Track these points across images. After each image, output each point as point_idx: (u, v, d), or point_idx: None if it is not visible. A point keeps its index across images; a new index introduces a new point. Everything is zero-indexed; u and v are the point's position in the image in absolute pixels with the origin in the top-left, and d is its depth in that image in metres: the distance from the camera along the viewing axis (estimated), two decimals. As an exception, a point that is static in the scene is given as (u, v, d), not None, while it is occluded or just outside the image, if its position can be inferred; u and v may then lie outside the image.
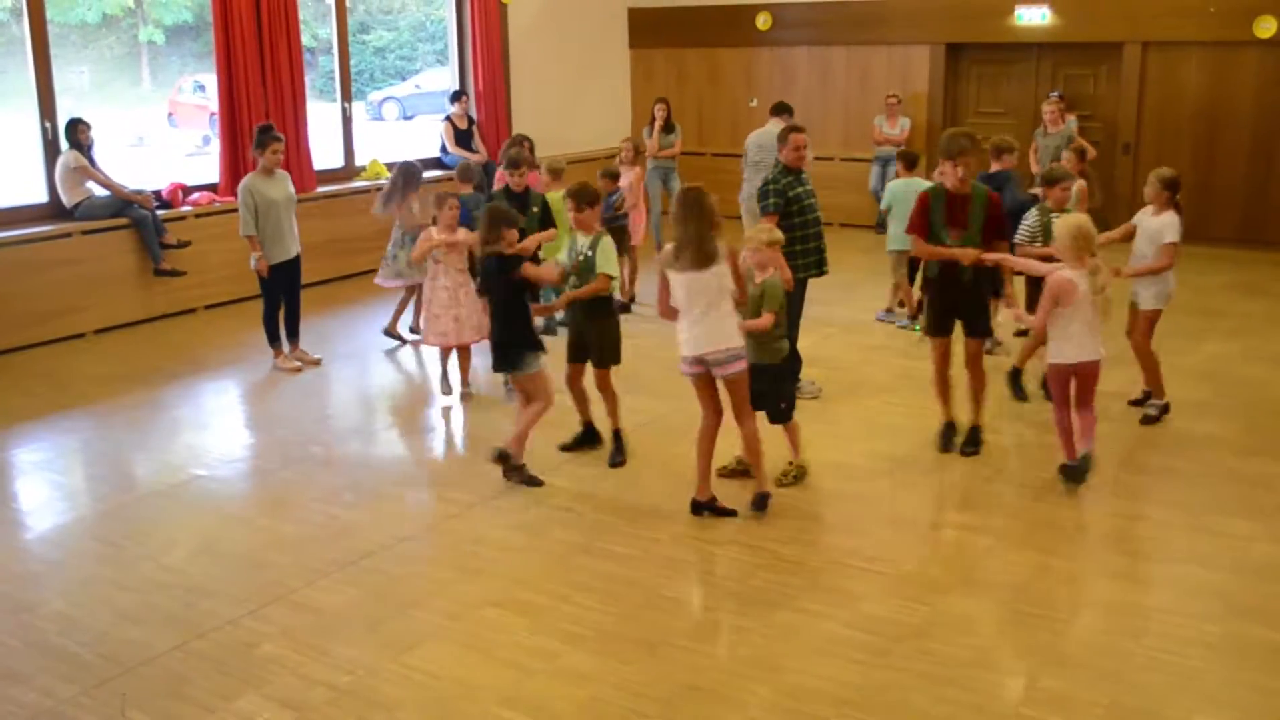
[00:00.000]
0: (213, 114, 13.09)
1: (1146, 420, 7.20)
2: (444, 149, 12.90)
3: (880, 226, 13.89)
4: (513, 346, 6.31)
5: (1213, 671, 4.48)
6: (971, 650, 4.63)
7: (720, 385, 5.86)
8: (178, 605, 5.08)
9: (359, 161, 12.52)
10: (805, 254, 7.54)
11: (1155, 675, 4.45)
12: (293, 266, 8.63)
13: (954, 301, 6.73)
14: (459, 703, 4.31)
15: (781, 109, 10.50)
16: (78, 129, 9.56)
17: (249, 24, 10.75)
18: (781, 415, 6.29)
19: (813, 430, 7.22)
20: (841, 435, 7.13)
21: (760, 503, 5.94)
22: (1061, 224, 6.19)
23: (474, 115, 13.26)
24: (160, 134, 19.91)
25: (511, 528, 5.86)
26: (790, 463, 6.41)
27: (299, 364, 8.70)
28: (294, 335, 8.81)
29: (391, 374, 8.67)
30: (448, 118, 12.93)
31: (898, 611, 4.95)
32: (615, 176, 9.94)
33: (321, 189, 11.59)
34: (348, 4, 12.38)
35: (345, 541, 5.71)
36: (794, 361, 7.76)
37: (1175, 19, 12.59)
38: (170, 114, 20.96)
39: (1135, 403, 7.41)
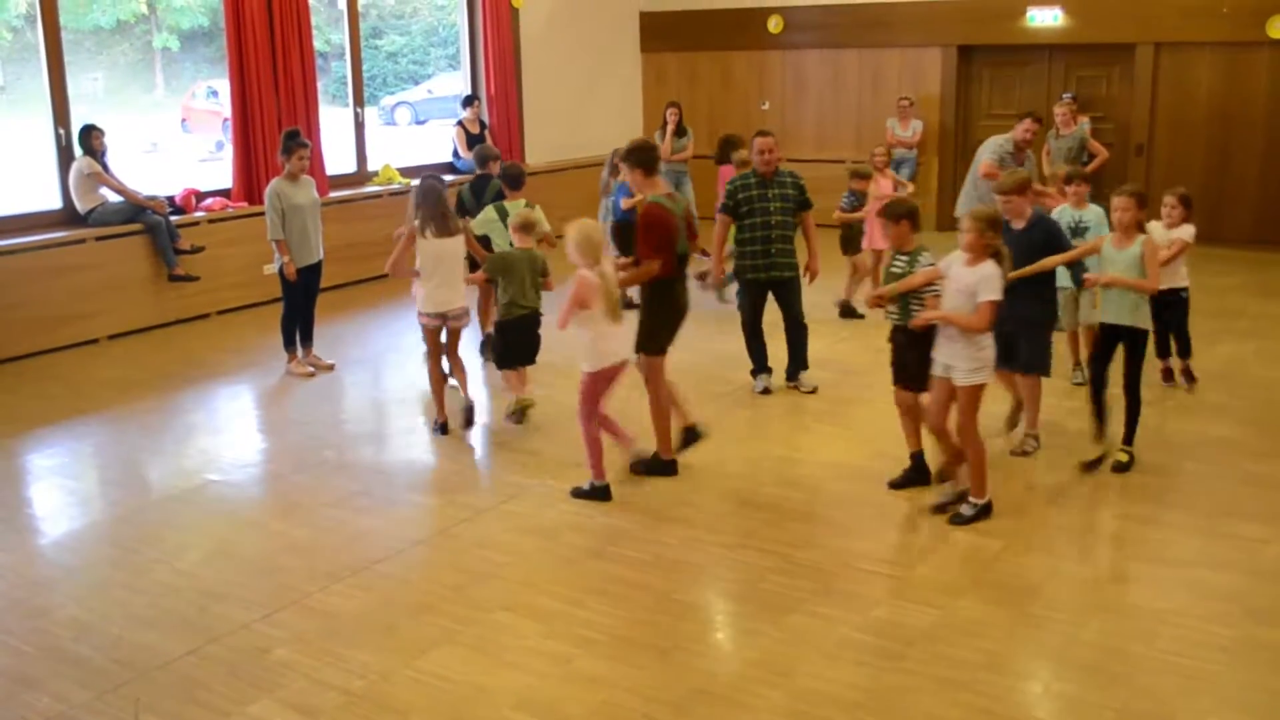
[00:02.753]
0: (226, 119, 13.14)
1: (956, 520, 5.86)
2: (456, 154, 12.93)
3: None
4: None
5: (1226, 675, 4.46)
6: (983, 654, 4.62)
7: (447, 334, 7.32)
8: (191, 610, 5.10)
9: (371, 166, 12.56)
10: (753, 255, 7.79)
11: (1168, 679, 4.43)
12: (314, 271, 8.67)
13: None
14: (472, 707, 4.32)
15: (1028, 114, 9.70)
16: (91, 135, 9.60)
17: (262, 29, 10.79)
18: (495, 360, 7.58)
19: (824, 433, 7.24)
20: (853, 438, 7.12)
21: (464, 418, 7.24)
22: (570, 228, 6.02)
23: (486, 119, 13.30)
24: (174, 140, 20.01)
25: (523, 532, 5.87)
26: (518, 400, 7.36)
27: (312, 369, 8.73)
28: (308, 340, 8.84)
29: (404, 379, 8.68)
30: (459, 122, 12.97)
31: (909, 615, 4.94)
32: (865, 176, 9.98)
33: (334, 194, 11.61)
34: (360, 9, 12.42)
35: (358, 546, 5.72)
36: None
37: (1187, 20, 12.55)
38: (184, 119, 21.07)
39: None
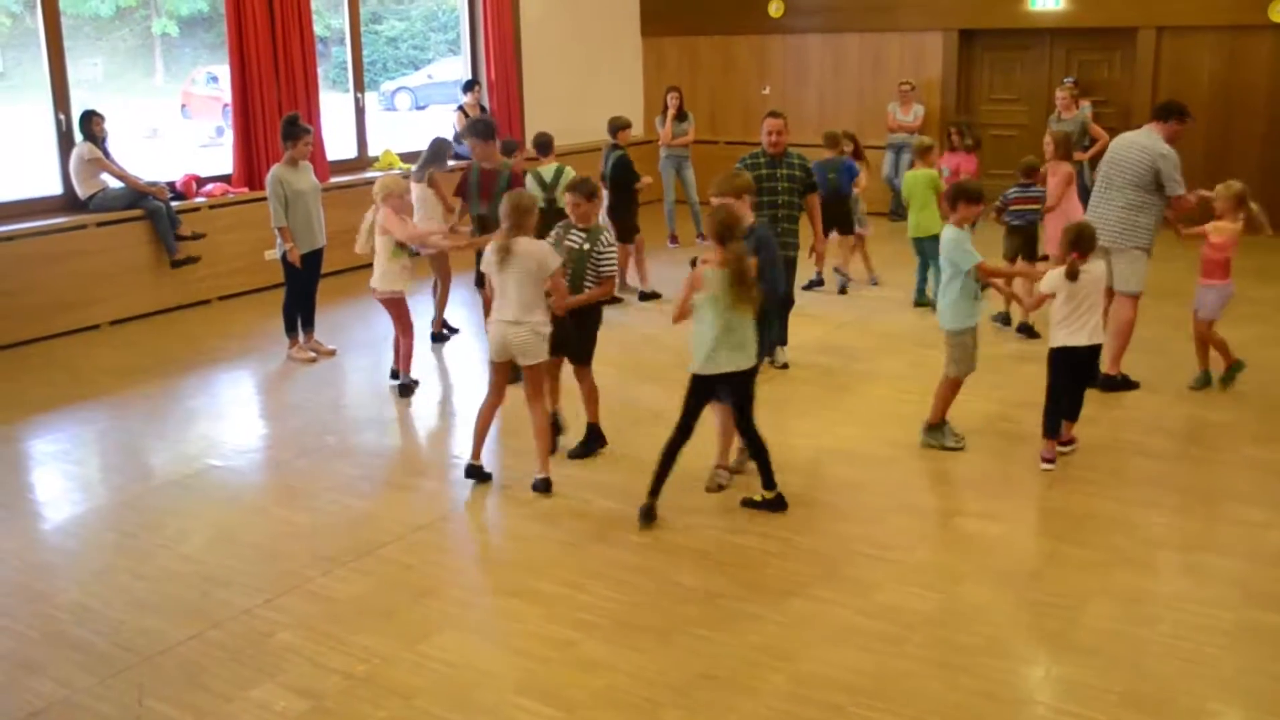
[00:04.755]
0: (226, 105, 13.11)
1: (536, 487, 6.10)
2: (457, 139, 12.89)
3: (894, 214, 13.89)
4: None
5: (1227, 659, 4.47)
6: (985, 638, 4.63)
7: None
8: (194, 595, 5.11)
9: (372, 152, 12.55)
10: None
11: (1169, 663, 4.44)
12: (316, 257, 8.66)
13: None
14: (474, 691, 4.33)
15: (1162, 113, 8.09)
16: (92, 121, 9.58)
17: (261, 15, 10.76)
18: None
19: (826, 418, 7.24)
20: (855, 423, 7.12)
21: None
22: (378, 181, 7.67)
23: (486, 105, 13.26)
24: (174, 125, 19.94)
25: (525, 517, 5.87)
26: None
27: (313, 354, 8.73)
28: (309, 325, 8.84)
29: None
30: (460, 107, 12.94)
31: (911, 600, 4.95)
32: (1033, 170, 9.09)
33: (335, 179, 11.59)
34: (359, -6, 12.39)
35: (360, 531, 5.73)
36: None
37: (1189, 3, 12.53)
38: (184, 105, 21.00)
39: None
